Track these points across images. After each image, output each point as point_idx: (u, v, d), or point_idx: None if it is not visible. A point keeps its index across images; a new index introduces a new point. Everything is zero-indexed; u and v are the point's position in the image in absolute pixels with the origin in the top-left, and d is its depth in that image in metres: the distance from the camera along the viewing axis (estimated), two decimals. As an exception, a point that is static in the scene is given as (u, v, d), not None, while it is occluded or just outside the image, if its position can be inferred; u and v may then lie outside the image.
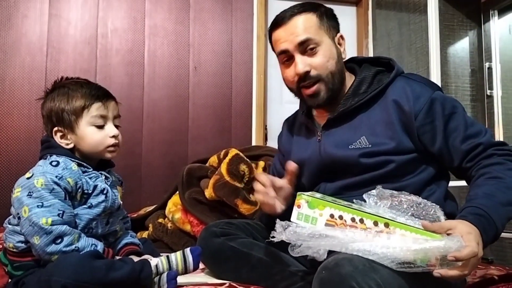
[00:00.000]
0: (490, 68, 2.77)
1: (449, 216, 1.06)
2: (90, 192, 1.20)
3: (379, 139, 1.18)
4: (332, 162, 1.24)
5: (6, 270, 1.19)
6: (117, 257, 1.22)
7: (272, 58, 3.44)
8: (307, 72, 1.22)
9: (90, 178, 1.21)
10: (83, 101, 1.21)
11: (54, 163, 1.17)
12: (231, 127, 3.16)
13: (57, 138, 1.22)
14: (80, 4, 2.95)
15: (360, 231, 0.96)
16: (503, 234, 2.08)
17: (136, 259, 1.18)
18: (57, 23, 2.90)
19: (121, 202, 1.29)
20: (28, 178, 1.14)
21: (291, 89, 1.31)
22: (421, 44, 2.91)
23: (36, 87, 2.79)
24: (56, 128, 1.22)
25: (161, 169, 2.98)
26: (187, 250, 1.20)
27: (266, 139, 3.27)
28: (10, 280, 1.18)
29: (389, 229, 0.96)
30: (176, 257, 1.18)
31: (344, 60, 1.32)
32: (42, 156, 1.22)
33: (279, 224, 1.04)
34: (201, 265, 1.31)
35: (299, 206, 1.07)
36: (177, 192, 2.09)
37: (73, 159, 1.20)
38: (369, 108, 1.23)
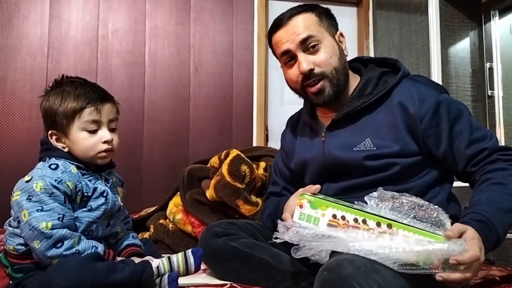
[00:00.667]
0: (491, 68, 2.77)
1: (452, 218, 1.06)
2: (89, 195, 1.18)
3: (384, 142, 1.17)
4: (336, 164, 1.23)
5: (7, 272, 1.18)
6: (119, 258, 1.22)
7: (273, 59, 3.42)
8: (311, 70, 1.22)
9: (89, 180, 1.20)
10: (75, 104, 1.17)
11: (53, 166, 1.16)
12: (232, 128, 3.16)
13: (53, 141, 1.21)
14: (80, 5, 2.95)
15: (363, 232, 0.96)
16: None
17: (137, 260, 1.17)
18: (58, 24, 2.90)
19: (122, 204, 1.29)
20: (27, 182, 1.13)
21: (295, 90, 1.31)
22: (422, 44, 2.91)
23: (37, 88, 2.79)
24: (51, 131, 1.21)
25: (162, 170, 2.98)
26: (189, 251, 1.20)
27: (267, 140, 3.27)
28: (10, 282, 1.17)
29: (391, 230, 0.96)
30: (177, 258, 1.18)
31: (349, 60, 1.32)
32: (41, 158, 1.21)
33: (281, 224, 1.04)
34: (203, 266, 1.31)
35: (301, 206, 1.07)
36: (178, 193, 2.09)
37: (72, 162, 1.18)
38: (374, 110, 1.22)
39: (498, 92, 2.72)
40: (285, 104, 3.37)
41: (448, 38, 2.79)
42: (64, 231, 1.09)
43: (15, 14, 2.82)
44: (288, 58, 1.26)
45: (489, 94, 2.75)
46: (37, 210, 1.09)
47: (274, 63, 3.38)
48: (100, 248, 1.16)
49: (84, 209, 1.18)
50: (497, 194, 1.03)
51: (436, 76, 2.68)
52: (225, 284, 1.26)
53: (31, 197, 1.10)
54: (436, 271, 0.89)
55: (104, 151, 1.21)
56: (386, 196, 1.04)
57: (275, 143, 3.16)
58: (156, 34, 3.07)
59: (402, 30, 3.15)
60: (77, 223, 1.15)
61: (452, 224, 0.99)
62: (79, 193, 1.17)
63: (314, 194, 1.08)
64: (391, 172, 1.17)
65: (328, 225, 1.02)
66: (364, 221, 0.99)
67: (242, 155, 2.05)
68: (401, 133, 1.17)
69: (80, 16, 2.95)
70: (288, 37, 1.24)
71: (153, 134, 3.01)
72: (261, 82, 3.22)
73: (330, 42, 1.24)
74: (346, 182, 1.22)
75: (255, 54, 3.24)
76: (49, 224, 1.08)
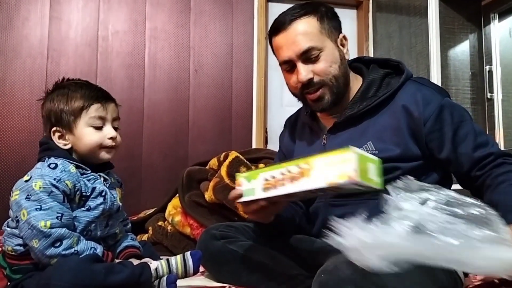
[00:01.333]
0: (490, 71, 2.77)
1: None
2: (88, 194, 1.19)
3: (386, 145, 1.17)
4: None
5: (5, 273, 1.18)
6: (117, 260, 1.22)
7: (273, 61, 3.45)
8: (310, 79, 1.21)
9: (88, 180, 1.20)
10: (82, 101, 1.20)
11: (52, 166, 1.16)
12: (232, 129, 3.17)
13: (55, 138, 1.22)
14: (81, 6, 2.95)
15: (296, 183, 0.96)
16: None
17: (136, 262, 1.17)
18: (58, 26, 2.90)
19: (121, 204, 1.29)
20: (26, 181, 1.14)
21: (294, 95, 1.30)
22: (422, 47, 2.91)
23: (36, 90, 2.80)
24: (54, 128, 1.22)
25: (161, 171, 2.98)
26: (187, 253, 1.19)
27: (266, 141, 3.27)
28: (8, 283, 1.17)
29: (309, 165, 0.95)
30: (176, 261, 1.17)
31: (350, 60, 1.30)
32: (40, 158, 1.22)
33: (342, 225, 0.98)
34: (201, 269, 1.31)
35: (240, 185, 1.08)
36: (177, 194, 2.09)
37: (71, 161, 1.19)
38: (377, 112, 1.21)
39: (498, 95, 2.72)
40: (284, 106, 3.37)
41: (447, 41, 2.79)
42: (63, 230, 1.09)
43: (15, 16, 2.83)
44: (288, 67, 1.24)
45: (489, 97, 2.75)
46: (36, 209, 1.09)
47: (274, 65, 3.39)
48: (99, 249, 1.16)
49: (83, 208, 1.18)
50: None
51: (435, 78, 2.69)
52: (224, 287, 1.25)
53: (30, 196, 1.11)
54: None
55: (109, 146, 1.23)
56: (413, 187, 0.99)
57: (274, 145, 3.16)
58: (156, 36, 3.07)
59: (402, 33, 3.16)
60: (75, 223, 1.15)
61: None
62: (77, 192, 1.17)
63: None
64: (393, 176, 1.16)
65: (263, 189, 1.03)
66: (288, 171, 0.98)
67: (241, 157, 2.05)
68: (404, 137, 1.16)
69: (80, 17, 2.95)
70: (288, 46, 1.21)
71: (152, 135, 3.01)
72: (260, 84, 3.23)
73: (331, 49, 1.22)
74: None
75: (255, 56, 3.24)
76: (48, 223, 1.08)
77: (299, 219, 1.33)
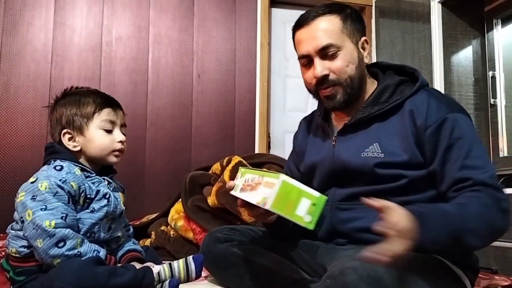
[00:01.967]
0: (493, 77, 2.76)
1: None
2: (92, 196, 1.21)
3: (393, 149, 1.16)
4: (344, 169, 1.22)
5: (8, 276, 1.19)
6: (119, 265, 1.22)
7: (276, 66, 3.47)
8: (326, 76, 1.21)
9: (93, 183, 1.23)
10: (94, 106, 1.25)
11: (58, 167, 1.19)
12: (234, 134, 3.17)
13: (64, 140, 1.24)
14: (85, 12, 2.97)
15: (249, 193, 1.02)
16: (507, 244, 2.06)
17: (138, 266, 1.18)
18: (62, 31, 2.92)
19: (124, 208, 1.30)
20: (32, 183, 1.16)
21: (309, 91, 1.30)
22: (425, 52, 2.91)
23: (40, 95, 2.81)
24: (65, 130, 1.25)
25: (164, 176, 2.98)
26: (190, 258, 1.20)
27: (269, 147, 3.27)
28: (12, 286, 1.18)
29: (260, 179, 0.99)
30: (178, 265, 1.18)
31: (368, 64, 1.30)
32: (46, 162, 1.24)
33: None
34: (204, 273, 1.31)
35: (236, 178, 1.15)
36: (180, 199, 2.09)
37: (76, 164, 1.22)
38: (388, 118, 1.20)
39: (501, 101, 2.71)
40: (287, 111, 3.37)
41: (450, 47, 2.79)
42: (67, 231, 1.11)
43: (19, 21, 2.84)
44: (306, 61, 1.25)
45: (492, 102, 2.74)
46: (41, 209, 1.11)
47: (277, 70, 3.40)
48: (102, 252, 1.17)
49: (87, 210, 1.20)
50: (456, 210, 1.00)
51: (438, 84, 2.68)
52: (226, 291, 1.25)
53: (35, 197, 1.13)
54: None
55: (118, 150, 1.27)
56: None
57: (277, 150, 3.16)
58: (159, 41, 3.09)
59: (405, 38, 3.16)
60: (79, 225, 1.17)
61: None
62: (82, 194, 1.19)
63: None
64: (399, 184, 1.15)
65: (240, 189, 1.09)
66: (254, 179, 1.03)
67: (244, 162, 2.05)
68: (410, 143, 1.15)
69: (84, 23, 2.96)
70: (308, 40, 1.22)
71: (155, 140, 3.01)
72: (263, 89, 3.23)
73: (350, 49, 1.22)
74: (353, 188, 1.21)
75: (258, 61, 3.25)
76: (52, 223, 1.10)
77: None
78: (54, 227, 1.10)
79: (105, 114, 1.26)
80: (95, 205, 1.21)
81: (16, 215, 1.18)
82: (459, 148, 1.10)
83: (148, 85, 3.04)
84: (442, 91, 2.67)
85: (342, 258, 1.07)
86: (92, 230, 1.19)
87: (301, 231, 1.29)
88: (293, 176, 1.44)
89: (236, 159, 2.06)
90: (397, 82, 1.24)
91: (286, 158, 1.59)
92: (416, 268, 1.00)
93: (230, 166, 2.00)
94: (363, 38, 1.26)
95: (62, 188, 1.14)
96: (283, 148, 3.24)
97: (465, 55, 2.84)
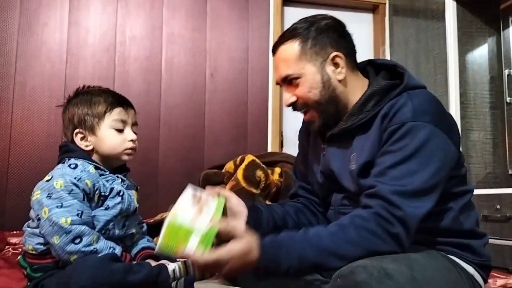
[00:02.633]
0: (509, 75, 2.73)
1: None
2: (106, 194, 1.22)
3: (365, 158, 1.11)
4: (334, 177, 1.21)
5: (25, 273, 1.21)
6: (134, 262, 1.23)
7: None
8: (294, 102, 1.20)
9: (106, 181, 1.24)
10: (106, 105, 1.26)
11: (72, 166, 1.20)
12: (247, 133, 3.17)
13: (77, 139, 1.26)
14: (99, 12, 3.00)
15: None
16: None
17: (153, 263, 1.18)
18: (77, 31, 2.94)
19: (137, 205, 1.32)
20: (47, 181, 1.18)
21: None
22: (439, 51, 2.88)
23: (55, 94, 2.84)
24: (77, 130, 1.26)
25: (177, 175, 2.99)
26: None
27: (282, 146, 3.27)
28: (29, 283, 1.19)
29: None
30: (193, 263, 1.18)
31: (364, 61, 1.27)
32: (60, 160, 1.26)
33: None
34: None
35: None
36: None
37: (90, 162, 1.24)
38: (370, 126, 1.14)
39: (517, 99, 2.68)
40: (300, 110, 3.36)
41: (465, 45, 2.76)
42: (83, 227, 1.13)
43: (34, 21, 2.88)
44: (281, 87, 1.25)
45: (508, 101, 2.71)
46: (57, 207, 1.13)
47: (290, 70, 3.39)
48: (118, 249, 1.18)
49: (102, 208, 1.22)
50: (326, 240, 0.99)
51: (453, 83, 2.65)
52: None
53: (51, 195, 1.15)
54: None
55: (130, 148, 1.28)
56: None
57: (290, 149, 3.16)
58: (172, 41, 3.10)
59: (419, 37, 3.13)
60: (94, 222, 1.19)
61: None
62: (96, 192, 1.21)
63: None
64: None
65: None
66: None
67: (257, 160, 2.05)
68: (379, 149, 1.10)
69: (98, 23, 2.99)
70: (275, 70, 1.23)
71: (169, 139, 3.03)
72: (276, 88, 3.23)
73: (311, 74, 1.16)
74: (346, 193, 1.20)
75: (271, 60, 3.24)
76: (69, 220, 1.11)
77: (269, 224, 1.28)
78: (70, 224, 1.11)
79: (116, 113, 1.27)
80: (109, 203, 1.22)
81: (32, 213, 1.20)
82: (393, 155, 1.04)
83: (162, 84, 3.06)
84: (457, 90, 2.64)
85: None
86: (107, 227, 1.21)
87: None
88: (300, 171, 1.43)
89: (249, 158, 2.07)
90: (384, 89, 1.16)
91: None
92: (426, 265, 1.00)
93: (243, 165, 2.00)
94: (332, 54, 1.17)
95: (77, 186, 1.16)
96: (296, 147, 3.21)
97: (481, 53, 2.81)
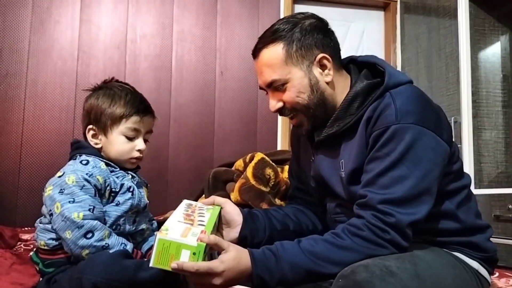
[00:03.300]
0: (523, 74, 2.70)
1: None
2: (117, 190, 1.24)
3: (352, 165, 1.10)
4: (325, 183, 1.19)
5: (38, 269, 1.22)
6: (145, 259, 1.24)
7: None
8: (281, 108, 1.16)
9: (117, 177, 1.26)
10: (124, 109, 1.25)
11: (84, 162, 1.22)
12: (257, 131, 3.17)
13: (88, 135, 1.27)
14: (110, 10, 3.01)
15: None
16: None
17: (163, 260, 1.19)
18: (88, 29, 2.96)
19: (148, 202, 1.33)
20: (59, 177, 1.19)
21: None
22: (451, 49, 2.86)
23: (67, 91, 2.86)
24: (90, 126, 1.27)
25: (187, 172, 3.00)
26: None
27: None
28: (41, 278, 1.21)
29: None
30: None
31: (346, 58, 1.22)
32: (72, 157, 1.27)
33: None
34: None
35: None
36: (203, 195, 2.10)
37: (101, 159, 1.25)
38: (355, 130, 1.12)
39: (530, 98, 2.66)
40: (310, 108, 3.35)
41: (478, 43, 2.73)
42: (95, 222, 1.14)
43: (47, 19, 2.90)
44: (266, 92, 1.20)
45: (521, 99, 2.69)
46: (69, 202, 1.14)
47: (300, 68, 3.38)
48: (129, 246, 1.20)
49: (112, 204, 1.23)
50: (321, 251, 0.98)
51: (465, 81, 2.63)
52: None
53: (63, 190, 1.16)
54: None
55: (135, 158, 1.28)
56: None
57: (299, 148, 3.15)
58: (183, 39, 3.11)
59: (431, 34, 3.11)
60: (105, 217, 1.20)
61: None
62: (107, 188, 1.22)
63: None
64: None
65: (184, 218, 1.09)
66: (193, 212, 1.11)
67: (266, 158, 2.05)
68: (365, 153, 1.08)
69: (109, 20, 3.01)
70: (258, 75, 1.17)
71: (179, 137, 3.04)
72: (286, 86, 3.22)
73: (298, 78, 1.12)
74: (339, 201, 1.18)
75: (281, 58, 3.23)
76: (81, 215, 1.13)
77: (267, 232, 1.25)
78: (83, 219, 1.13)
79: (132, 122, 1.26)
80: (119, 199, 1.23)
81: (44, 209, 1.22)
82: (380, 162, 1.02)
83: (172, 82, 3.07)
84: (469, 88, 2.61)
85: None
86: (118, 222, 1.22)
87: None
88: (295, 172, 1.40)
89: (258, 155, 2.06)
90: (365, 89, 1.13)
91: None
92: (431, 261, 1.00)
93: (252, 163, 2.00)
94: (319, 56, 1.12)
95: (88, 181, 1.17)
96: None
97: (493, 51, 2.78)
